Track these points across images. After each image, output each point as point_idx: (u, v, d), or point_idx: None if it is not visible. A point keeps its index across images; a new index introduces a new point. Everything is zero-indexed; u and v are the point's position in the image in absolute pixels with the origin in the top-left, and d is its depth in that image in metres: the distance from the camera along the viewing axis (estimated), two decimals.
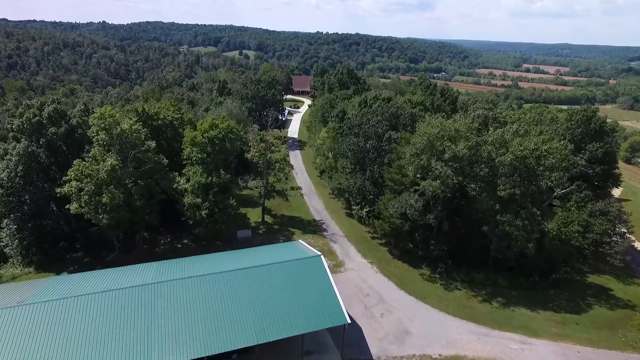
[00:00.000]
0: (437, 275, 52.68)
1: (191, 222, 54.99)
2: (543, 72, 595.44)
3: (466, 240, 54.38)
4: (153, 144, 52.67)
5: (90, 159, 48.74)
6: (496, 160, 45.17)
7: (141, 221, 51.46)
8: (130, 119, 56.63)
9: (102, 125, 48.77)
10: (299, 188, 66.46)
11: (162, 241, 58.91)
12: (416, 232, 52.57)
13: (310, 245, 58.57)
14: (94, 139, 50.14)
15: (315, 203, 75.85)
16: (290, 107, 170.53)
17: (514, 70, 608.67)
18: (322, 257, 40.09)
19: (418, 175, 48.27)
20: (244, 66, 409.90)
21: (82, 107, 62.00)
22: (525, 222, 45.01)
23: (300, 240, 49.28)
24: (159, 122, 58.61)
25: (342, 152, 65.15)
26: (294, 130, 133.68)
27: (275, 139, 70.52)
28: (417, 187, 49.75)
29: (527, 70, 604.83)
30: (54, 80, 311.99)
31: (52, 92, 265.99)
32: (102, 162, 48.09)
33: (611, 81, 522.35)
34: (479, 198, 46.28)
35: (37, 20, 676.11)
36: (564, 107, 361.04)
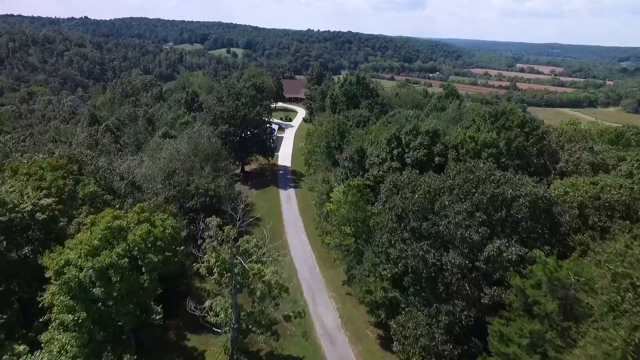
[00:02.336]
0: None
1: None
2: (538, 72, 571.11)
3: None
4: None
5: None
6: None
7: None
8: None
9: None
10: (301, 314, 35.36)
11: None
12: None
13: None
14: None
15: (322, 310, 45.04)
16: (281, 118, 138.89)
17: (508, 70, 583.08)
18: None
19: None
20: (231, 65, 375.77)
21: None
22: None
23: None
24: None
25: (383, 256, 34.29)
26: (285, 154, 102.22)
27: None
28: None
29: (522, 70, 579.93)
30: (18, 80, 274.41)
31: (10, 95, 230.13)
32: None
33: (608, 82, 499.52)
34: None
35: (15, 14, 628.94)
36: (574, 110, 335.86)
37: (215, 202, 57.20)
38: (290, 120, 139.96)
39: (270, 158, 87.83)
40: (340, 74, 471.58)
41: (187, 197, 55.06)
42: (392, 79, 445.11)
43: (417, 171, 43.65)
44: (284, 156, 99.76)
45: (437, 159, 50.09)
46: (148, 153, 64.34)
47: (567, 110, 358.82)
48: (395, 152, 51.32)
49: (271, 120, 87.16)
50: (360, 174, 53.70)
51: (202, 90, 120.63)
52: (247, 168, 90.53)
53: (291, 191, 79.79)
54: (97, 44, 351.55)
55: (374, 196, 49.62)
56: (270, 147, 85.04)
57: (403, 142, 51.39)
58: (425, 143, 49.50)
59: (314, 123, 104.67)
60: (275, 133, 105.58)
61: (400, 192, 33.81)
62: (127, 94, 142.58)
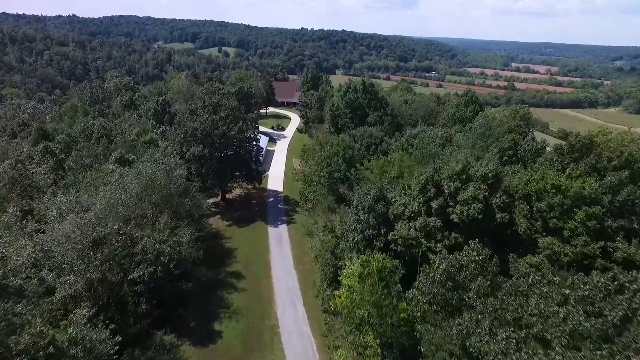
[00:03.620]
0: None
1: None
2: (534, 72, 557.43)
3: None
4: None
5: None
6: None
7: None
8: None
9: None
10: None
11: None
12: None
13: None
14: None
15: None
16: (272, 127, 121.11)
17: (504, 70, 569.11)
18: None
19: None
20: (221, 65, 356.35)
21: None
22: None
23: None
24: None
25: None
26: (276, 174, 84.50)
27: None
28: None
29: (518, 70, 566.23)
30: None
31: None
32: None
33: (605, 82, 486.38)
34: None
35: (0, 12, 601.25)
36: (575, 111, 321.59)
37: (173, 267, 39.70)
38: (283, 129, 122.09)
39: (258, 183, 70.03)
40: (335, 73, 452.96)
41: (133, 263, 37.57)
42: (388, 78, 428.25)
43: (490, 252, 26.66)
44: (275, 178, 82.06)
45: (498, 215, 32.91)
46: (83, 190, 46.49)
47: (568, 111, 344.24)
48: (435, 204, 33.99)
49: (258, 137, 69.48)
50: (383, 231, 36.35)
51: (181, 96, 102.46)
52: (230, 195, 72.92)
53: (283, 229, 62.18)
54: (80, 43, 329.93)
55: (403, 266, 32.53)
56: (256, 172, 67.29)
57: (446, 190, 34.09)
58: (482, 196, 32.23)
59: (311, 137, 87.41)
60: (264, 148, 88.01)
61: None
62: (97, 99, 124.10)
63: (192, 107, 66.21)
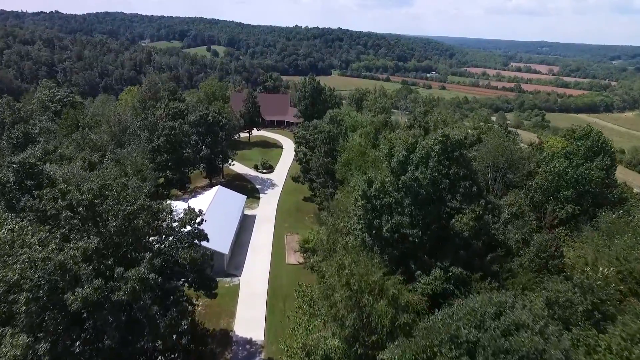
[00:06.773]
0: None
1: None
2: (535, 72, 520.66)
3: None
4: None
5: None
6: None
7: None
8: None
9: None
10: None
11: None
12: None
13: None
14: None
15: None
16: (256, 167, 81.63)
17: (505, 69, 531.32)
18: None
19: None
20: (208, 65, 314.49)
21: None
22: None
23: None
24: None
25: None
26: (256, 283, 45.17)
27: None
28: None
29: (519, 70, 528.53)
30: None
31: None
32: None
33: (612, 83, 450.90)
34: None
35: None
36: (592, 116, 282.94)
37: None
38: (272, 168, 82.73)
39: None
40: (331, 74, 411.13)
41: None
42: (387, 79, 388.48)
43: None
44: (251, 295, 42.87)
45: None
46: None
47: (585, 116, 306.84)
48: None
49: (211, 253, 30.52)
50: None
51: (107, 131, 62.30)
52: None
53: None
54: (48, 41, 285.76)
55: None
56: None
57: None
58: None
59: (321, 224, 48.97)
60: (240, 214, 49.19)
61: None
62: (2, 124, 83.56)
63: (42, 206, 26.56)
